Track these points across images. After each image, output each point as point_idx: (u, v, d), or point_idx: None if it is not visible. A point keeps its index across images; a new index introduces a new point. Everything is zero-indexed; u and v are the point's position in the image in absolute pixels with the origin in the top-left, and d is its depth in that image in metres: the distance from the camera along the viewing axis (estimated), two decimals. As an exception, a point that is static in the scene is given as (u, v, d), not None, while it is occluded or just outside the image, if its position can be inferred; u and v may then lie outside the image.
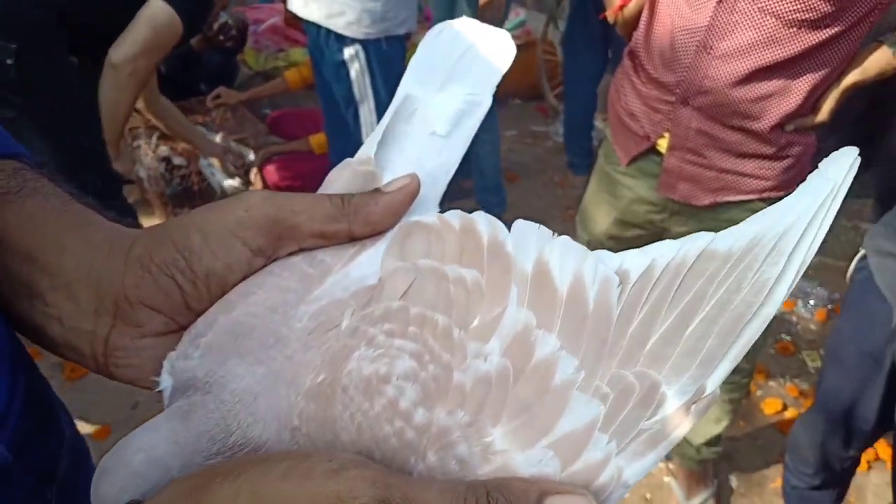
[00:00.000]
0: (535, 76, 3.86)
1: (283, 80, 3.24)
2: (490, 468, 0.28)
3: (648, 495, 1.95)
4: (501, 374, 0.29)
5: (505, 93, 3.95)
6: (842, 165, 0.32)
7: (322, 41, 2.15)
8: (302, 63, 3.28)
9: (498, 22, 2.85)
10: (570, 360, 0.29)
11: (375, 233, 0.36)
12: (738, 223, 1.10)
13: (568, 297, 0.31)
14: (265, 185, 2.98)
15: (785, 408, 2.17)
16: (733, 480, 1.99)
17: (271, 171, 2.96)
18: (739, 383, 1.63)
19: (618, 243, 1.57)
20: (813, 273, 2.73)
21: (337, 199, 0.36)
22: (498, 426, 0.28)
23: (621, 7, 1.36)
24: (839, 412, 1.36)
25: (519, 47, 2.93)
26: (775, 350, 2.39)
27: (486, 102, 0.42)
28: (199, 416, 0.29)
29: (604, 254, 0.33)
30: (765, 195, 1.34)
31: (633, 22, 1.37)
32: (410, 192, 0.36)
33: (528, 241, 0.33)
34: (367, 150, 0.39)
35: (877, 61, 1.22)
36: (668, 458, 1.97)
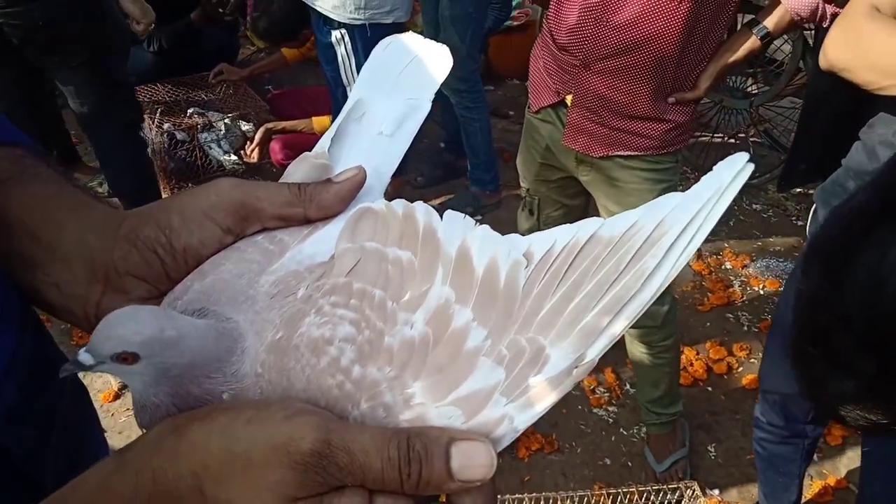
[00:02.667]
0: (534, 56, 3.88)
1: (281, 55, 3.28)
2: (410, 415, 0.34)
3: (630, 463, 2.03)
4: (423, 339, 0.35)
5: (503, 73, 3.98)
6: (731, 169, 0.35)
7: (315, 21, 2.20)
8: (300, 39, 3.31)
9: None
10: (480, 331, 0.35)
11: (327, 216, 0.41)
12: (628, 174, 1.40)
13: (483, 277, 0.37)
14: (260, 159, 3.05)
15: (764, 383, 2.24)
16: (712, 451, 2.07)
17: (276, 149, 3.03)
18: (663, 350, 1.83)
19: (548, 186, 1.78)
20: (799, 255, 2.79)
21: (294, 187, 0.41)
22: (418, 381, 0.34)
23: None
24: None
25: (517, 28, 2.98)
26: (758, 328, 2.45)
27: (426, 107, 0.47)
28: (228, 341, 0.35)
29: (516, 237, 0.38)
30: (650, 152, 1.57)
31: (547, 1, 1.62)
32: (357, 182, 0.42)
33: (455, 228, 0.39)
34: (323, 145, 0.45)
35: (744, 43, 1.51)
36: (640, 428, 2.07)
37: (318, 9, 2.14)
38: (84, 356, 0.34)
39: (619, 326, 0.34)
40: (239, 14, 3.73)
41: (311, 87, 3.56)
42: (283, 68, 3.44)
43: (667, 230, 0.35)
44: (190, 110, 3.18)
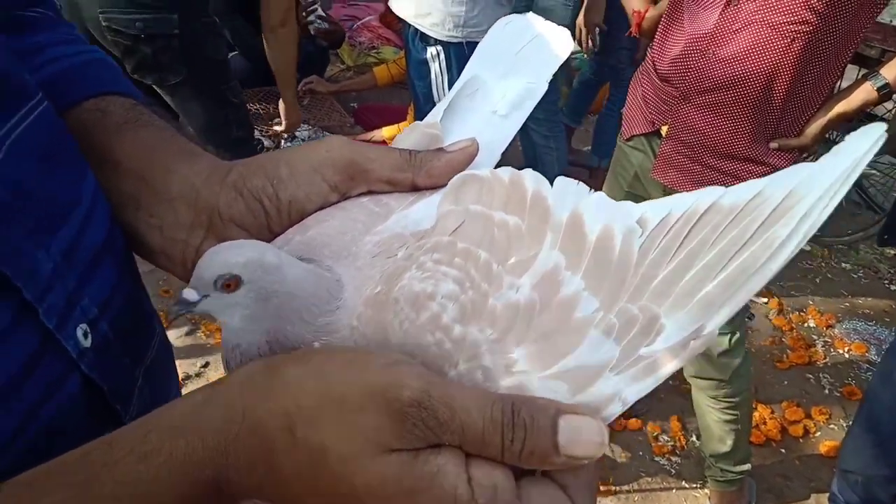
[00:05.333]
0: (619, 94, 3.84)
1: (371, 75, 3.36)
2: (510, 382, 0.31)
3: (689, 520, 1.92)
4: (529, 304, 0.33)
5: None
6: (867, 140, 0.33)
7: (410, 38, 2.24)
8: (391, 61, 3.39)
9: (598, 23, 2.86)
10: (591, 300, 0.33)
11: (435, 185, 0.40)
12: None
13: (596, 245, 0.34)
14: None
15: (844, 452, 2.09)
16: (781, 518, 1.94)
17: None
18: (730, 406, 1.72)
19: None
20: (890, 321, 2.61)
21: (405, 152, 0.41)
22: (521, 347, 0.32)
23: (638, 25, 1.70)
24: (887, 433, 1.32)
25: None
26: (840, 393, 2.30)
27: (542, 88, 0.46)
28: (326, 283, 0.35)
29: (629, 205, 0.36)
30: None
31: (651, 33, 1.62)
32: (470, 154, 0.41)
33: (567, 195, 0.37)
34: (435, 116, 0.45)
35: (860, 94, 1.41)
36: (704, 483, 1.95)
37: (417, 25, 2.17)
38: (188, 293, 0.34)
39: (743, 298, 0.32)
40: (330, 43, 3.86)
41: (395, 104, 3.63)
42: (372, 89, 3.51)
43: (800, 198, 0.32)
44: (277, 119, 3.29)
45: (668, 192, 1.56)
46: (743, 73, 1.36)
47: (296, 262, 0.35)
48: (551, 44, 0.47)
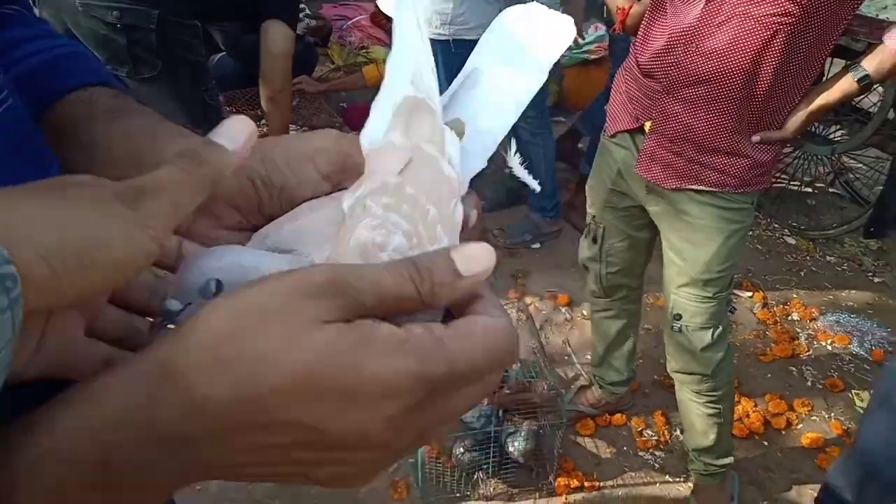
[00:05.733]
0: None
1: (361, 75, 3.37)
2: None
3: (672, 513, 1.95)
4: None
5: (576, 105, 3.95)
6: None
7: (398, 37, 2.25)
8: (380, 61, 3.40)
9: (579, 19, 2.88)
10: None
11: None
12: (699, 210, 1.36)
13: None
14: None
15: (826, 444, 2.11)
16: (763, 509, 1.96)
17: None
18: (713, 400, 1.75)
19: (615, 214, 1.75)
20: (873, 312, 2.64)
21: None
22: None
23: (622, 22, 1.71)
24: (880, 460, 1.32)
25: (593, 62, 2.96)
26: (823, 385, 2.32)
27: (542, 78, 0.47)
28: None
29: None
30: (726, 189, 1.50)
31: (635, 29, 1.63)
32: None
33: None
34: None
35: (841, 86, 1.39)
36: (687, 476, 1.98)
37: (404, 25, 2.19)
38: (171, 303, 0.34)
39: None
40: (318, 39, 3.87)
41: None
42: (361, 89, 3.52)
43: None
44: (263, 122, 3.29)
45: (650, 188, 1.58)
46: (726, 67, 1.37)
47: (272, 256, 0.36)
48: (553, 33, 0.48)
